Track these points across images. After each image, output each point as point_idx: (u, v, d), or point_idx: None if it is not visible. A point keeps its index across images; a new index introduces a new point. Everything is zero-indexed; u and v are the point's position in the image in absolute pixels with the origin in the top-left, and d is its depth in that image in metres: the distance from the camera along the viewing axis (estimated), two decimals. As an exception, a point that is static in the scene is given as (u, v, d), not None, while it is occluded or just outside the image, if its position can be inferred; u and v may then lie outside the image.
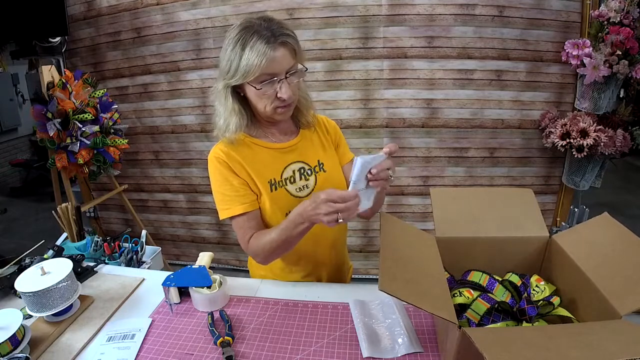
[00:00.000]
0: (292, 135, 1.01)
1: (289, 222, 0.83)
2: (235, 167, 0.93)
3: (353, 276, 1.24)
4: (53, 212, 1.51)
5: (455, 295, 0.76)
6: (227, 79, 0.86)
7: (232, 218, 0.92)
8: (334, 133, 1.08)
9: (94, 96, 2.08)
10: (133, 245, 1.89)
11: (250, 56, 0.80)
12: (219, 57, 0.88)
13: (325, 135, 1.06)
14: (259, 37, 0.80)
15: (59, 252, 1.11)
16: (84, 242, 1.52)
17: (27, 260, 1.02)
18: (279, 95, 0.85)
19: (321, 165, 1.00)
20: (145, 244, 2.00)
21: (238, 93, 0.90)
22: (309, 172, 0.98)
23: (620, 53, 1.79)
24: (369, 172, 0.77)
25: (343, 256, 1.14)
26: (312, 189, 0.97)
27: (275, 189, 0.95)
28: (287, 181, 0.96)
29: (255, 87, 0.84)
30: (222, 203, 0.92)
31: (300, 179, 0.97)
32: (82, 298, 0.93)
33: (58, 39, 2.39)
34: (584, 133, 1.91)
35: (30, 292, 0.79)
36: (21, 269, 0.99)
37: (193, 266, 0.96)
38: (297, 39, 0.85)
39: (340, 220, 0.75)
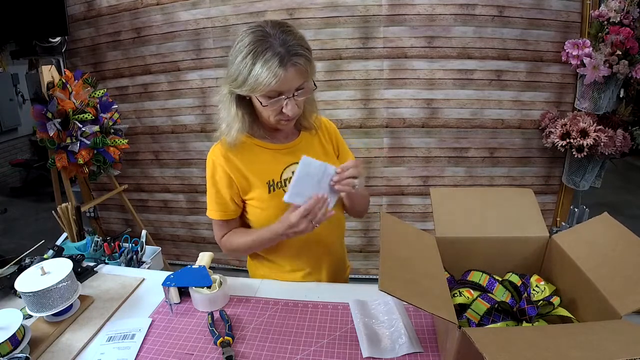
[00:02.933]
0: (293, 137, 1.01)
1: (268, 234, 0.92)
2: (232, 171, 0.94)
3: (354, 276, 1.24)
4: (53, 212, 1.51)
5: (455, 295, 0.76)
6: (233, 86, 0.85)
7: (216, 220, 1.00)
8: (335, 138, 1.08)
9: (94, 96, 2.08)
10: (133, 245, 1.89)
11: (260, 73, 0.78)
12: (226, 57, 0.87)
13: (327, 139, 1.06)
14: (273, 54, 0.77)
15: (59, 252, 1.11)
16: (84, 242, 1.52)
17: (27, 260, 1.02)
18: (284, 111, 0.85)
19: None
20: (145, 244, 2.00)
21: (244, 97, 0.90)
22: None
23: (620, 53, 1.79)
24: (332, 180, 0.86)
25: (342, 256, 1.15)
26: None
27: (274, 189, 0.95)
28: (286, 182, 0.96)
29: (261, 102, 0.84)
30: (209, 203, 0.99)
31: None
32: (82, 298, 0.93)
33: (58, 39, 2.39)
34: (584, 133, 1.91)
35: (30, 292, 0.79)
36: (21, 269, 0.99)
37: (193, 266, 0.96)
38: (310, 55, 0.82)
39: (316, 225, 0.85)
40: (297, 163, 0.97)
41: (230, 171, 0.94)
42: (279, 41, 0.78)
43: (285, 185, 0.96)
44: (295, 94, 0.83)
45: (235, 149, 0.94)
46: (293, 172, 0.96)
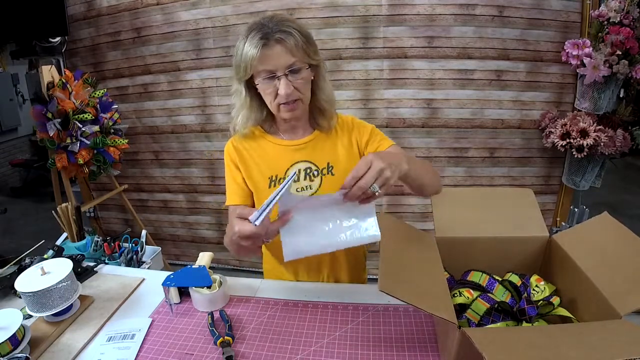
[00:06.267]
0: (305, 134, 0.99)
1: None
2: (240, 161, 0.97)
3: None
4: (53, 212, 1.51)
5: (455, 295, 0.76)
6: (235, 74, 0.89)
7: (230, 206, 0.99)
8: (357, 133, 1.00)
9: (94, 96, 2.08)
10: (133, 245, 1.89)
11: (247, 49, 0.82)
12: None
13: (349, 137, 1.00)
14: (257, 32, 0.81)
15: (59, 252, 1.11)
16: (84, 242, 1.52)
17: (27, 260, 1.02)
18: (279, 92, 0.85)
19: (330, 168, 0.97)
20: (145, 244, 2.00)
21: (255, 89, 0.91)
22: (315, 173, 0.96)
23: (620, 53, 1.79)
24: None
25: (359, 256, 1.12)
26: (316, 191, 0.96)
27: (274, 185, 0.95)
28: None
29: (256, 83, 0.86)
30: (228, 191, 1.00)
31: (305, 179, 0.96)
32: (82, 298, 0.93)
33: (58, 39, 2.39)
34: (584, 133, 1.90)
35: (30, 292, 0.79)
36: (21, 269, 0.99)
37: (193, 266, 0.96)
38: (302, 36, 0.83)
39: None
40: (305, 161, 0.96)
41: (240, 161, 0.97)
42: (266, 24, 0.82)
43: None
44: (287, 72, 0.83)
45: (246, 141, 0.98)
46: (299, 170, 0.96)
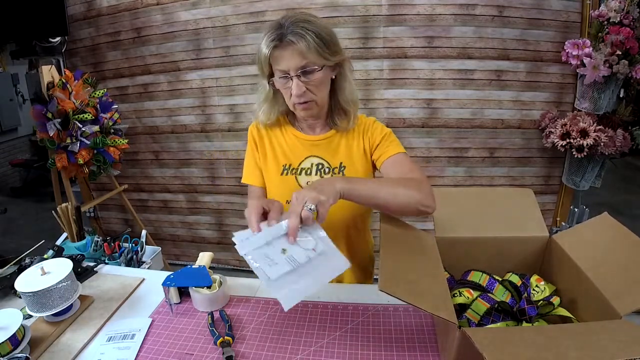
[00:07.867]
0: (323, 132, 1.02)
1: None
2: (259, 143, 1.02)
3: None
4: (53, 212, 1.51)
5: (455, 295, 0.76)
6: (258, 70, 0.92)
7: (248, 184, 1.05)
8: (371, 135, 1.02)
9: (94, 96, 2.08)
10: (133, 245, 1.89)
11: (261, 48, 0.85)
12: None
13: (363, 140, 1.01)
14: (273, 32, 0.83)
15: (59, 252, 1.10)
16: (84, 242, 1.51)
17: (27, 260, 1.02)
18: (291, 92, 0.87)
19: (342, 168, 0.99)
20: (145, 244, 2.00)
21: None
22: (327, 170, 0.99)
23: (620, 53, 1.79)
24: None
25: (365, 260, 1.12)
26: None
27: (287, 174, 0.98)
28: (303, 172, 0.98)
29: (271, 81, 0.89)
30: (245, 169, 1.06)
31: (317, 174, 0.98)
32: (82, 298, 0.93)
33: (58, 39, 2.39)
34: (584, 133, 1.91)
35: (30, 292, 0.79)
36: (21, 269, 0.99)
37: (193, 266, 0.96)
38: (316, 38, 0.81)
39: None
40: (319, 157, 0.99)
41: (259, 143, 1.02)
42: (283, 24, 0.83)
43: (300, 174, 0.98)
44: (299, 74, 0.84)
45: (270, 127, 1.02)
46: (312, 164, 0.99)
